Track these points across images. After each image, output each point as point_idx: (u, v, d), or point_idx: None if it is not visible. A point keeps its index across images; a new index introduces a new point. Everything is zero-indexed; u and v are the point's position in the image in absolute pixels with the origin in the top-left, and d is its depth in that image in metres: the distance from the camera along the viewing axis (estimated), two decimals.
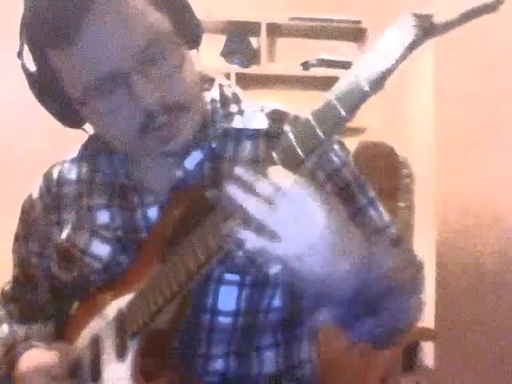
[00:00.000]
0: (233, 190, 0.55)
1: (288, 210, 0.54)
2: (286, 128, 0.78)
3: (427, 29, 0.49)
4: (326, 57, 3.15)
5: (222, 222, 0.57)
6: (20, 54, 0.70)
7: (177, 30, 0.69)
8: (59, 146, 0.93)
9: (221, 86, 0.83)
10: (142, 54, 0.64)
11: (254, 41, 3.19)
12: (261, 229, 0.54)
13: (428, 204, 2.54)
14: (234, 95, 0.83)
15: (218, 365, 0.78)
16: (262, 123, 0.80)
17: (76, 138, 0.89)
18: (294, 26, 3.17)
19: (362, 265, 0.60)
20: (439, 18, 0.48)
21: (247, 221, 0.54)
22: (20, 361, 0.80)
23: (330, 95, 0.53)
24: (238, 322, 0.76)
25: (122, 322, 0.75)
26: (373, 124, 2.90)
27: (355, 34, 3.25)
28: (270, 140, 0.78)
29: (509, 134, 1.93)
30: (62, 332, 0.88)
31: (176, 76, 0.68)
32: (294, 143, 0.54)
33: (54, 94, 0.70)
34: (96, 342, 0.78)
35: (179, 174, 0.76)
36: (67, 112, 0.72)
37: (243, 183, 0.55)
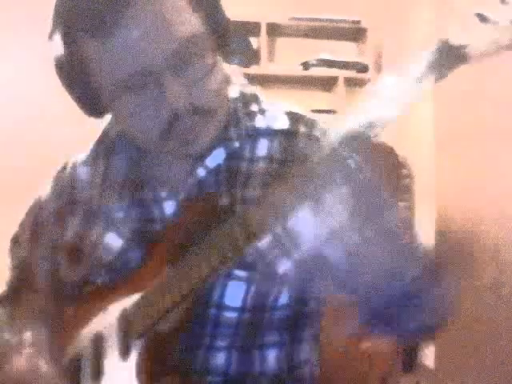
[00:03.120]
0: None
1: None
2: (302, 130, 0.79)
3: (458, 57, 0.49)
4: (326, 57, 3.14)
5: (239, 229, 0.60)
6: (51, 36, 0.68)
7: (210, 32, 0.68)
8: (59, 149, 0.93)
9: (241, 84, 0.83)
10: (177, 54, 0.64)
11: (253, 41, 3.19)
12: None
13: (428, 204, 2.54)
14: (254, 95, 0.83)
15: (220, 360, 0.78)
16: (283, 123, 0.80)
17: (73, 148, 0.89)
18: (294, 26, 3.16)
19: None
20: (472, 49, 0.50)
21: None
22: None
23: (352, 109, 0.54)
24: (242, 318, 0.76)
25: (126, 322, 0.75)
26: None
27: (355, 33, 3.25)
28: (286, 140, 0.78)
29: (509, 134, 1.93)
30: (58, 332, 0.87)
31: (207, 79, 0.67)
32: (307, 151, 0.55)
33: (80, 80, 0.69)
34: (98, 341, 0.78)
35: (200, 172, 0.77)
36: (91, 100, 0.71)
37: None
